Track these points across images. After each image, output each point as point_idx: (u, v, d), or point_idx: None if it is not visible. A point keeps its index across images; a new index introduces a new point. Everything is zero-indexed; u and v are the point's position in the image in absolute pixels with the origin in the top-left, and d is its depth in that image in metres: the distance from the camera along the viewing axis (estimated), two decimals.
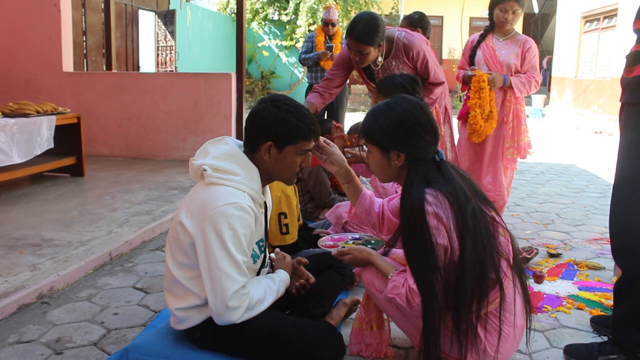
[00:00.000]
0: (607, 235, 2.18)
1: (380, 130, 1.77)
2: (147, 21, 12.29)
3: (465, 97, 3.45)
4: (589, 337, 2.23)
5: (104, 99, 6.17)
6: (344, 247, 2.01)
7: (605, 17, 11.46)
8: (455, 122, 3.47)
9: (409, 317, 1.75)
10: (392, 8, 16.34)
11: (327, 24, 5.59)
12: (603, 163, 6.90)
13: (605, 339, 2.06)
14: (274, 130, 1.77)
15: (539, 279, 2.84)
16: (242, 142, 1.88)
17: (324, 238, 2.21)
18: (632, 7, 2.09)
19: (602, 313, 2.44)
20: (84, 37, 10.07)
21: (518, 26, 14.21)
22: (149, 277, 2.85)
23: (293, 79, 16.78)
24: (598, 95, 11.27)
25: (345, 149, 3.24)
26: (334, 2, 13.01)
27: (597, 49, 11.77)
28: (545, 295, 2.67)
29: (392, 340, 2.07)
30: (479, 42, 3.45)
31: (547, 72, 16.22)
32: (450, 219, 1.61)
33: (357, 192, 2.04)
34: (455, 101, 13.54)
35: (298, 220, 2.80)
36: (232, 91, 5.89)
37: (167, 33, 11.98)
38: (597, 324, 2.29)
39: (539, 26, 19.51)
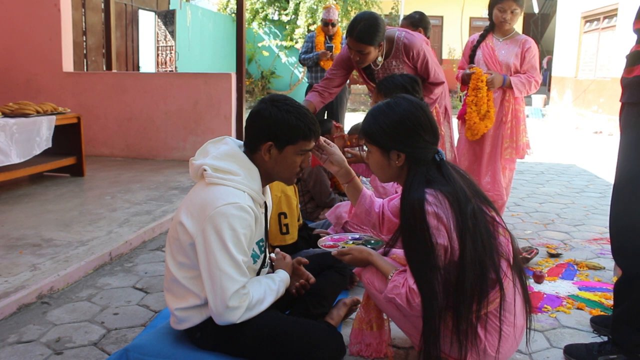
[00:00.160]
0: (607, 235, 2.18)
1: (380, 130, 1.77)
2: (147, 21, 12.29)
3: (464, 96, 3.45)
4: (589, 337, 2.23)
5: (104, 99, 6.17)
6: (344, 247, 2.01)
7: (605, 17, 11.46)
8: (455, 122, 3.47)
9: (408, 317, 1.75)
10: (392, 8, 16.33)
11: (327, 24, 5.59)
12: (603, 163, 6.90)
13: (605, 339, 2.06)
14: (274, 131, 1.77)
15: (539, 279, 2.84)
16: (242, 142, 1.88)
17: (323, 238, 2.21)
18: (632, 7, 2.09)
19: (602, 313, 2.44)
20: (84, 37, 10.07)
21: (518, 26, 14.22)
22: (149, 277, 2.85)
23: (293, 79, 16.78)
24: (598, 95, 11.27)
25: (345, 149, 3.24)
26: (334, 2, 13.01)
27: (597, 49, 11.77)
28: (545, 295, 2.67)
29: (392, 340, 2.07)
30: (479, 42, 3.45)
31: (547, 72, 16.22)
32: (451, 219, 1.60)
33: (357, 192, 2.04)
34: (455, 101, 13.54)
35: (298, 220, 2.80)
36: (232, 91, 5.89)
37: (167, 33, 11.98)
38: (597, 324, 2.29)
39: (539, 26, 19.51)
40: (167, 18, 12.04)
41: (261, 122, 1.79)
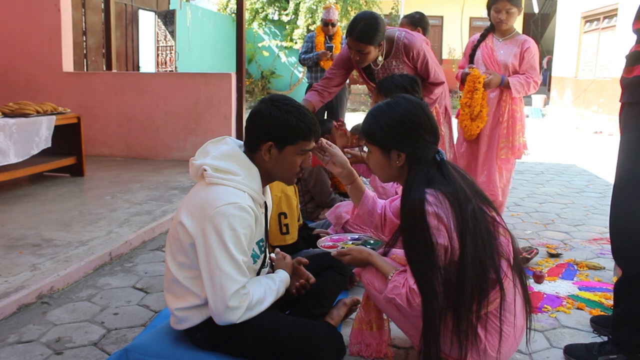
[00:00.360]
0: (607, 235, 2.19)
1: (380, 130, 1.77)
2: (147, 21, 12.29)
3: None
4: (589, 337, 2.23)
5: (104, 99, 6.16)
6: (344, 247, 2.01)
7: (605, 17, 11.46)
8: (455, 122, 3.47)
9: (408, 317, 1.75)
10: (392, 8, 16.33)
11: (327, 24, 5.59)
12: (603, 163, 6.90)
13: (605, 339, 2.06)
14: (275, 131, 1.77)
15: (539, 279, 2.84)
16: (242, 142, 1.88)
17: (323, 239, 2.21)
18: (632, 7, 2.09)
19: (602, 313, 2.44)
20: (84, 37, 10.07)
21: (518, 26, 14.21)
22: (149, 277, 2.85)
23: (293, 79, 16.78)
24: (598, 95, 11.27)
25: (345, 150, 3.25)
26: (334, 2, 13.01)
27: (597, 49, 11.77)
28: (545, 295, 2.67)
29: (392, 340, 2.07)
30: (479, 41, 3.46)
31: (547, 72, 16.22)
32: (451, 219, 1.60)
33: (360, 193, 2.05)
34: (455, 101, 13.52)
35: (298, 220, 2.80)
36: (232, 91, 5.89)
37: (167, 33, 11.98)
38: (597, 324, 2.29)
39: (539, 26, 19.51)
40: (167, 18, 12.04)
41: (261, 122, 1.79)
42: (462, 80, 3.39)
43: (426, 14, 4.46)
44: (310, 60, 5.57)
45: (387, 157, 1.78)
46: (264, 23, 16.40)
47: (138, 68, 11.85)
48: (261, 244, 1.85)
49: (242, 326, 1.73)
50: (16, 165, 4.23)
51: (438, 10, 16.78)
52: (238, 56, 6.12)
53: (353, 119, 9.33)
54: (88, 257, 2.92)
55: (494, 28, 3.43)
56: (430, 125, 1.76)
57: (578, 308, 2.52)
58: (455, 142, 3.52)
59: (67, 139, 4.84)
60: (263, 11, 16.05)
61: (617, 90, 2.03)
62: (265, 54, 16.25)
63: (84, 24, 10.04)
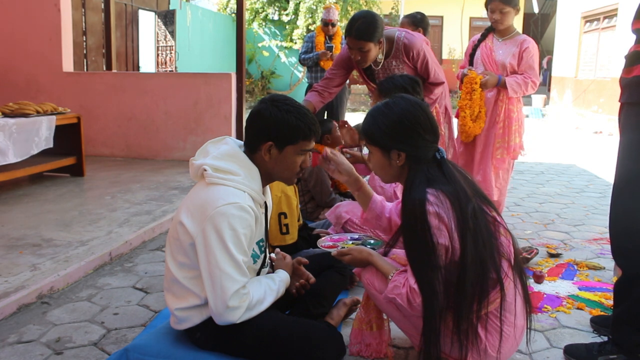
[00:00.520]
0: (607, 235, 2.18)
1: (379, 130, 1.77)
2: (147, 21, 12.29)
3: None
4: (589, 337, 2.23)
5: (104, 99, 6.16)
6: (344, 247, 2.01)
7: (605, 17, 11.46)
8: (455, 121, 3.47)
9: (409, 317, 1.75)
10: (392, 8, 16.33)
11: (327, 24, 5.59)
12: (603, 163, 6.90)
13: (605, 339, 2.06)
14: (275, 130, 1.77)
15: (539, 279, 2.84)
16: (242, 142, 1.88)
17: (323, 238, 2.21)
18: (632, 7, 2.09)
19: (602, 313, 2.44)
20: (84, 37, 10.07)
21: (518, 26, 14.22)
22: (149, 277, 2.85)
23: (293, 79, 16.78)
24: (598, 95, 11.27)
25: (344, 150, 3.26)
26: (334, 2, 13.01)
27: (597, 49, 11.77)
28: (545, 295, 2.67)
29: (392, 340, 2.07)
30: (480, 41, 3.46)
31: (547, 72, 16.21)
32: (452, 219, 1.60)
33: (368, 198, 2.05)
34: (455, 101, 13.53)
35: (298, 220, 2.80)
36: (232, 91, 5.89)
37: (167, 33, 11.98)
38: (597, 324, 2.29)
39: (539, 26, 19.51)
40: (167, 18, 12.04)
41: (261, 122, 1.79)
42: (462, 81, 3.40)
43: (426, 14, 4.47)
44: (310, 60, 5.57)
45: (388, 157, 1.78)
46: (264, 23, 16.40)
47: (138, 68, 11.85)
48: (261, 244, 1.85)
49: (242, 326, 1.73)
50: (16, 165, 4.23)
51: (438, 10, 16.78)
52: (238, 56, 6.12)
53: (353, 119, 9.34)
54: (88, 257, 2.92)
55: (494, 28, 3.44)
56: (430, 124, 1.76)
57: (578, 308, 2.52)
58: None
59: (67, 139, 4.83)
60: (263, 11, 16.05)
61: (617, 90, 2.03)
62: (265, 54, 16.25)
63: (84, 24, 10.04)
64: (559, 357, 2.09)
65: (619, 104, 2.02)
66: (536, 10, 18.05)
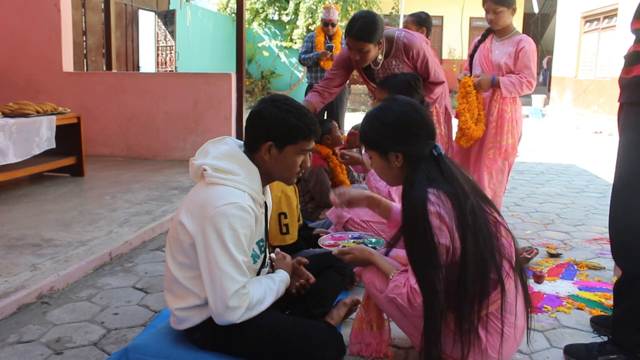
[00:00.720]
0: (607, 235, 2.18)
1: (375, 134, 1.79)
2: (147, 21, 12.29)
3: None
4: (589, 337, 2.23)
5: (104, 99, 6.16)
6: (345, 246, 2.01)
7: (605, 17, 11.47)
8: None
9: (409, 317, 1.75)
10: (392, 8, 16.33)
11: (327, 24, 5.59)
12: (603, 163, 6.90)
13: (605, 339, 2.06)
14: (275, 130, 1.77)
15: (539, 279, 2.84)
16: (242, 142, 1.88)
17: (324, 237, 2.21)
18: (632, 7, 2.09)
19: (602, 313, 2.44)
20: (84, 37, 10.06)
21: (518, 26, 14.22)
22: (149, 277, 2.85)
23: (293, 79, 16.78)
24: (598, 95, 11.28)
25: (342, 151, 3.27)
26: (334, 2, 13.01)
27: (597, 49, 11.77)
28: (545, 295, 2.67)
29: (392, 340, 2.07)
30: (480, 41, 3.46)
31: (547, 72, 16.21)
32: (453, 219, 1.61)
33: (388, 211, 2.06)
34: (455, 102, 13.55)
35: (298, 220, 2.80)
36: (232, 91, 5.89)
37: (167, 33, 11.98)
38: (597, 324, 2.29)
39: (539, 26, 19.51)
40: (167, 18, 12.03)
41: (261, 122, 1.79)
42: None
43: None
44: (310, 60, 5.57)
45: (386, 160, 1.79)
46: (264, 23, 16.40)
47: (138, 68, 11.85)
48: (261, 244, 1.85)
49: (242, 326, 1.73)
50: (16, 165, 4.23)
51: (438, 10, 16.77)
52: (238, 56, 6.12)
53: (353, 119, 9.34)
54: (88, 257, 2.92)
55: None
56: (423, 122, 1.77)
57: (578, 308, 2.52)
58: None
59: (67, 139, 4.83)
60: (263, 11, 16.05)
61: (617, 90, 2.04)
62: (265, 54, 16.24)
63: (84, 24, 10.04)
64: (559, 357, 2.09)
65: (618, 104, 2.02)
66: (536, 10, 18.05)
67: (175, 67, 12.12)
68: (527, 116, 13.83)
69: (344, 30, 2.98)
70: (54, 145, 4.54)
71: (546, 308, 2.52)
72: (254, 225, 1.75)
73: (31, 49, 6.11)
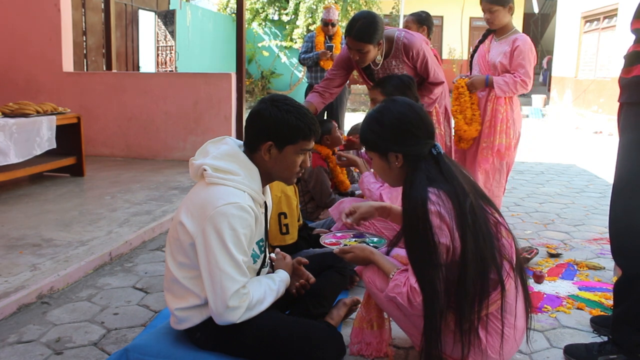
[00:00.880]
0: (607, 235, 2.18)
1: (374, 135, 1.80)
2: (147, 21, 12.29)
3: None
4: (589, 337, 2.23)
5: (104, 99, 6.17)
6: (346, 245, 2.01)
7: (605, 17, 11.47)
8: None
9: (409, 316, 1.75)
10: (393, 8, 16.33)
11: (327, 24, 5.59)
12: (603, 163, 6.90)
13: (605, 339, 2.06)
14: (274, 130, 1.77)
15: (539, 279, 2.84)
16: (242, 142, 1.88)
17: (325, 235, 2.21)
18: (632, 7, 2.09)
19: (602, 313, 2.44)
20: (84, 37, 10.06)
21: (518, 26, 14.21)
22: (149, 277, 2.85)
23: (293, 79, 16.78)
24: (598, 95, 11.28)
25: (338, 153, 3.27)
26: (334, 2, 13.01)
27: (597, 49, 11.77)
28: (545, 295, 2.67)
29: (393, 340, 2.07)
30: (480, 42, 3.47)
31: (547, 72, 16.20)
32: (453, 219, 1.61)
33: (399, 216, 2.06)
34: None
35: (298, 220, 2.80)
36: (232, 91, 5.89)
37: (167, 33, 11.98)
38: (597, 324, 2.29)
39: (539, 26, 19.51)
40: (167, 18, 12.03)
41: (261, 122, 1.79)
42: None
43: None
44: (310, 60, 5.57)
45: (386, 161, 1.80)
46: (264, 23, 16.39)
47: (138, 68, 11.85)
48: (261, 244, 1.85)
49: (242, 326, 1.73)
50: (16, 165, 4.23)
51: (438, 10, 16.77)
52: (238, 56, 6.12)
53: (353, 119, 9.34)
54: (88, 257, 2.92)
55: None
56: (422, 122, 1.77)
57: (578, 308, 2.52)
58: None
59: (67, 139, 4.83)
60: (263, 11, 16.04)
61: (617, 90, 2.04)
62: (265, 54, 16.24)
63: (84, 24, 10.04)
64: (559, 357, 2.09)
65: (618, 104, 2.02)
66: (536, 10, 18.06)
67: (175, 67, 12.12)
68: (527, 116, 13.83)
69: (344, 31, 2.98)
70: (54, 145, 4.54)
71: (546, 308, 2.52)
72: (254, 225, 1.75)
73: (31, 49, 6.11)
